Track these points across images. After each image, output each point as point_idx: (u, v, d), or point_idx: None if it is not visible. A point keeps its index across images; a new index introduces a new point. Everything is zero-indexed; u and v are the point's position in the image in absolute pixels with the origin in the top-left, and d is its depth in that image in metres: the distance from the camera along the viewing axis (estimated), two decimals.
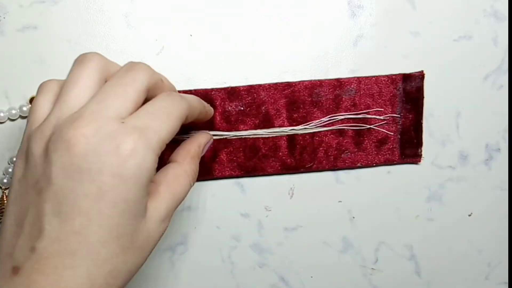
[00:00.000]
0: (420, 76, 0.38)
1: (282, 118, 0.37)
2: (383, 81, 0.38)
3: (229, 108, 0.37)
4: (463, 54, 0.39)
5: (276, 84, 0.37)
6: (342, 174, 0.39)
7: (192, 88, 0.37)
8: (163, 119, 0.25)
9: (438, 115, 0.39)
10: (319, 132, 0.37)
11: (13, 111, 0.36)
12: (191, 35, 0.37)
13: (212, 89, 0.36)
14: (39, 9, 0.35)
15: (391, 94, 0.38)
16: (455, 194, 0.40)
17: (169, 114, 0.26)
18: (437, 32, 0.38)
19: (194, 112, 0.29)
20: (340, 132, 0.38)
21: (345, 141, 0.38)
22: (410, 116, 0.38)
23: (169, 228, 0.38)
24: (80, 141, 0.23)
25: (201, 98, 0.36)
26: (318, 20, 0.38)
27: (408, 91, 0.38)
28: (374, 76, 0.37)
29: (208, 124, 0.36)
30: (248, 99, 0.37)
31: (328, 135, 0.38)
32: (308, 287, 0.40)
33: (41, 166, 0.24)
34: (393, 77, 0.38)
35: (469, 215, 0.41)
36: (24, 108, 0.36)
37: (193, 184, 0.30)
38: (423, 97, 0.38)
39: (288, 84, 0.37)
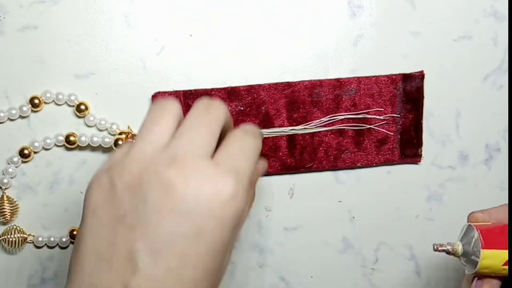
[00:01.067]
0: (420, 76, 0.38)
1: (282, 118, 0.37)
2: (383, 81, 0.38)
3: (229, 108, 0.36)
4: (463, 54, 0.39)
5: (276, 84, 0.37)
6: (342, 174, 0.39)
7: (192, 88, 0.36)
8: (251, 159, 0.26)
9: (438, 115, 0.39)
10: (319, 132, 0.37)
11: (13, 111, 0.35)
12: (191, 35, 0.37)
13: (212, 89, 0.36)
14: (39, 9, 0.35)
15: (391, 94, 0.38)
16: (455, 194, 0.40)
17: (255, 154, 0.26)
18: (437, 32, 0.38)
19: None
20: (340, 132, 0.38)
21: (345, 141, 0.38)
22: (410, 116, 0.38)
23: None
24: (180, 183, 0.22)
25: (200, 98, 0.36)
26: (318, 20, 0.38)
27: (408, 91, 0.38)
28: (374, 76, 0.37)
29: None
30: (248, 99, 0.37)
31: (328, 135, 0.38)
32: (308, 287, 0.40)
33: (129, 202, 0.23)
34: (393, 77, 0.38)
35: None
36: (24, 108, 0.35)
37: (251, 209, 0.29)
38: (423, 97, 0.38)
39: (288, 84, 0.37)
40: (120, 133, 0.36)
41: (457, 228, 0.40)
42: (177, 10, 0.36)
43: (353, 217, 0.39)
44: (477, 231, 0.29)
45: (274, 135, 0.37)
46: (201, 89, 0.36)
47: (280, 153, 0.37)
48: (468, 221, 0.30)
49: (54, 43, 0.36)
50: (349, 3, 0.38)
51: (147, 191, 0.23)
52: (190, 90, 0.36)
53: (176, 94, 0.36)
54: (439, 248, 0.30)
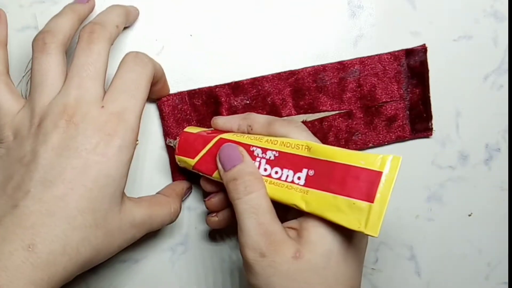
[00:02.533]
0: (423, 49, 0.37)
1: (288, 107, 0.37)
2: (386, 59, 0.37)
3: (235, 103, 0.36)
4: (463, 54, 0.39)
5: (279, 74, 0.37)
6: None
7: (192, 87, 0.36)
8: (136, 95, 0.29)
9: (438, 115, 0.39)
10: (327, 116, 0.37)
11: None
12: (191, 35, 0.37)
13: (216, 86, 0.36)
14: (39, 9, 0.35)
15: (396, 71, 0.37)
16: (455, 194, 0.40)
17: (139, 86, 0.29)
18: (437, 32, 0.38)
19: (158, 73, 0.32)
20: (349, 115, 0.37)
21: (354, 123, 0.37)
22: (417, 90, 0.38)
23: (169, 228, 0.38)
24: (70, 127, 0.27)
25: (206, 96, 0.36)
26: (318, 20, 0.38)
27: (412, 66, 0.37)
28: (376, 55, 0.37)
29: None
30: (253, 92, 0.36)
31: (337, 118, 0.37)
32: None
33: (30, 145, 0.27)
34: (396, 53, 0.37)
35: (469, 215, 0.41)
36: None
37: (174, 221, 0.34)
38: (428, 71, 0.38)
39: (292, 73, 0.37)
40: None
41: (457, 228, 0.41)
42: (177, 10, 0.36)
43: None
44: (179, 138, 0.34)
45: None
46: (206, 87, 0.36)
47: None
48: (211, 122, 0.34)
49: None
50: (349, 3, 0.38)
51: (46, 135, 0.27)
52: (194, 90, 0.36)
53: (180, 95, 0.36)
54: (168, 143, 0.35)
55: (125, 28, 0.35)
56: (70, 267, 0.26)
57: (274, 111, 0.37)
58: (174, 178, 0.37)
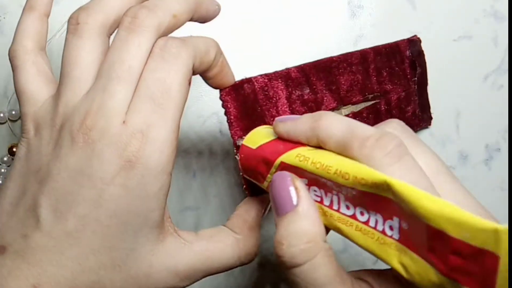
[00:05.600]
0: (418, 40, 0.37)
1: (353, 93, 0.33)
2: (402, 46, 0.36)
3: (294, 96, 0.31)
4: (463, 54, 0.39)
5: (337, 57, 0.33)
6: None
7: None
8: (164, 105, 0.22)
9: (438, 115, 0.39)
10: (368, 106, 0.34)
11: (13, 112, 0.35)
12: (191, 35, 0.37)
13: (286, 69, 0.31)
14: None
15: (408, 59, 0.36)
16: None
17: (168, 91, 0.23)
18: (437, 32, 0.38)
19: (205, 58, 0.25)
20: (373, 106, 0.35)
21: (379, 115, 0.35)
22: (420, 80, 0.37)
23: None
24: (87, 146, 0.22)
25: (283, 80, 0.30)
26: (318, 20, 0.38)
27: (415, 55, 0.37)
28: (393, 42, 0.36)
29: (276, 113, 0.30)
30: (313, 79, 0.31)
31: (364, 111, 0.34)
32: None
33: (46, 156, 0.23)
34: (405, 42, 0.36)
35: None
36: None
37: (245, 264, 0.26)
38: (425, 61, 0.37)
39: (330, 59, 0.33)
40: None
41: None
42: None
43: None
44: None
45: (355, 110, 0.34)
46: (280, 71, 0.30)
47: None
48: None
49: (54, 43, 0.36)
50: (349, 3, 0.38)
51: (60, 149, 0.22)
52: (267, 74, 0.30)
53: (249, 82, 0.30)
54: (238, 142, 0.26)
55: (197, 22, 0.28)
56: None
57: (341, 99, 0.32)
58: (248, 191, 0.29)
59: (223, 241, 0.26)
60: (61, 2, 0.36)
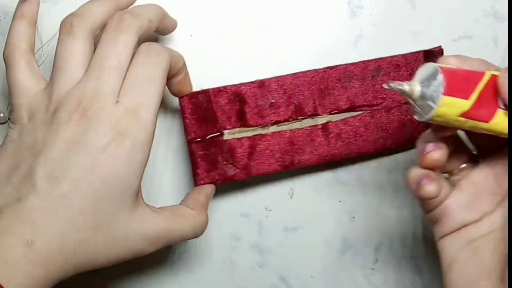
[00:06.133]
0: (440, 51, 0.37)
1: (313, 106, 0.36)
2: (410, 59, 0.37)
3: (261, 102, 0.35)
4: (463, 54, 0.39)
5: (304, 73, 0.36)
6: (342, 174, 0.39)
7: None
8: (150, 91, 0.28)
9: None
10: (353, 117, 0.37)
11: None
12: (191, 35, 0.37)
13: (241, 84, 0.35)
14: (39, 9, 0.35)
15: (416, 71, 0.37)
16: None
17: (153, 80, 0.28)
18: (437, 32, 0.38)
19: (176, 64, 0.31)
20: (372, 115, 0.37)
21: (378, 123, 0.37)
22: None
23: None
24: (83, 121, 0.26)
25: (232, 94, 0.35)
26: (318, 20, 0.38)
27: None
28: (399, 55, 0.37)
29: (241, 121, 0.35)
30: (279, 91, 0.35)
31: (363, 118, 0.37)
32: (308, 287, 0.40)
33: (42, 134, 0.27)
34: (416, 54, 0.37)
35: None
36: None
37: (199, 235, 0.32)
38: None
39: (316, 72, 0.36)
40: None
41: None
42: (177, 10, 0.36)
43: (353, 217, 0.39)
44: (442, 74, 0.25)
45: (308, 125, 0.36)
46: (231, 85, 0.35)
47: (316, 143, 0.36)
48: (438, 62, 0.26)
49: (54, 43, 0.36)
50: (349, 3, 0.38)
51: (59, 126, 0.26)
52: (219, 88, 0.35)
53: (205, 93, 0.35)
54: (396, 87, 0.25)
55: (159, 33, 0.34)
56: (67, 266, 0.26)
57: (300, 110, 0.36)
58: (196, 182, 0.35)
59: (182, 214, 0.31)
60: (61, 2, 0.36)
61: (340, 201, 0.39)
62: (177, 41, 0.37)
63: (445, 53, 0.38)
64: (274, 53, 0.37)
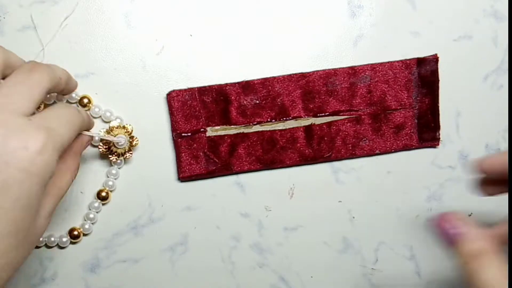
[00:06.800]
0: (434, 59, 0.38)
1: (298, 109, 0.37)
2: (398, 67, 0.38)
3: (245, 102, 0.37)
4: (463, 54, 0.39)
5: (290, 75, 0.37)
6: (342, 174, 0.39)
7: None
8: (67, 126, 0.27)
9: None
10: (336, 121, 0.37)
11: None
12: (191, 35, 0.37)
13: (226, 84, 0.37)
14: (39, 9, 0.35)
15: (406, 79, 0.38)
16: (455, 194, 0.40)
17: (72, 124, 0.28)
18: (437, 32, 0.38)
19: (87, 126, 0.31)
20: (357, 120, 0.38)
21: (362, 128, 0.38)
22: (426, 100, 0.38)
23: (169, 228, 0.38)
24: None
25: (216, 93, 0.36)
26: (318, 20, 0.38)
27: (423, 75, 0.38)
28: (388, 62, 0.37)
29: (224, 119, 0.37)
30: (263, 92, 0.37)
31: (345, 123, 0.38)
32: (308, 287, 0.40)
33: None
34: (408, 62, 0.38)
35: (469, 215, 0.40)
36: None
37: (75, 178, 0.31)
38: (438, 80, 0.38)
39: (303, 75, 0.37)
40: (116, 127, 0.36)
41: None
42: (177, 10, 0.36)
43: (353, 217, 0.39)
44: None
45: (291, 127, 0.37)
46: (216, 85, 0.36)
47: (298, 144, 0.37)
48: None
49: (54, 45, 0.36)
50: (349, 3, 0.38)
51: None
52: (205, 87, 0.36)
53: (190, 91, 0.36)
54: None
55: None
56: None
57: (284, 112, 0.37)
58: (179, 174, 0.37)
59: (60, 172, 0.30)
60: (60, 2, 0.36)
61: (340, 201, 0.39)
62: (177, 41, 0.37)
63: (445, 53, 0.38)
64: (275, 53, 0.37)
